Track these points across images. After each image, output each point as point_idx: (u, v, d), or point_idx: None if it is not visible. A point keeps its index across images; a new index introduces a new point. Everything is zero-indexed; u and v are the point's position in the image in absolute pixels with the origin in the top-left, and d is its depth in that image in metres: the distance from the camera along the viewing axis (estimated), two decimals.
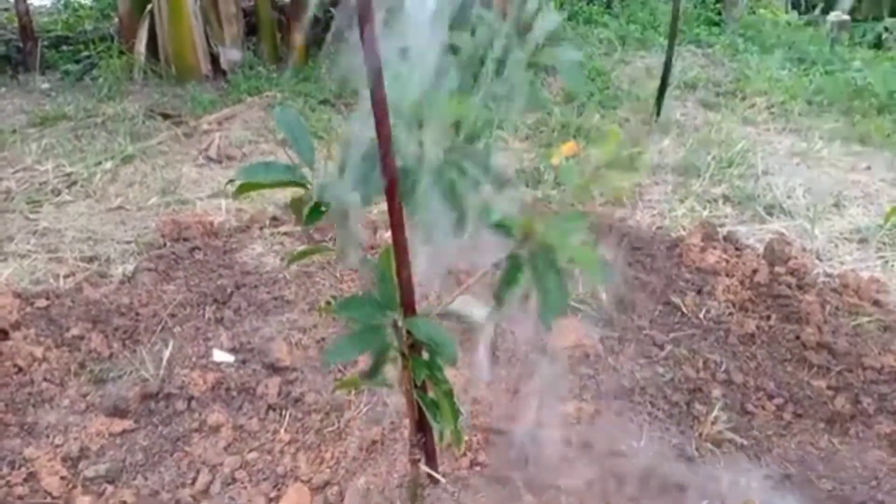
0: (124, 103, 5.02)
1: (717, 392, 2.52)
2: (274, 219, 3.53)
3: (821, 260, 3.29)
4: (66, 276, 3.03)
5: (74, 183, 3.90)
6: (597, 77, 5.58)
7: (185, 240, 3.30)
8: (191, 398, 2.38)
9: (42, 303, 2.77)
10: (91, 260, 3.17)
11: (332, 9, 6.78)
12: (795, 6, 7.90)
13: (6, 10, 6.99)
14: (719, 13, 7.14)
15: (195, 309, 2.85)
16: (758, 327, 2.80)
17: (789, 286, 3.01)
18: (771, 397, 2.50)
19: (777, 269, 3.13)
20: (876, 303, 2.95)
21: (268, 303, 2.90)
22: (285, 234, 3.42)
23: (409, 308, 1.60)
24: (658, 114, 4.87)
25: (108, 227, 3.46)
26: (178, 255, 3.16)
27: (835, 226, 3.61)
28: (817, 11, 7.77)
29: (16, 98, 5.39)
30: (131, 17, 5.76)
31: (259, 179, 1.51)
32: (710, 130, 4.69)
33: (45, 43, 6.14)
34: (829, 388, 2.52)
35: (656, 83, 4.95)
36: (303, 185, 1.52)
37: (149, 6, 5.56)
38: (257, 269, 3.12)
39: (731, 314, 2.89)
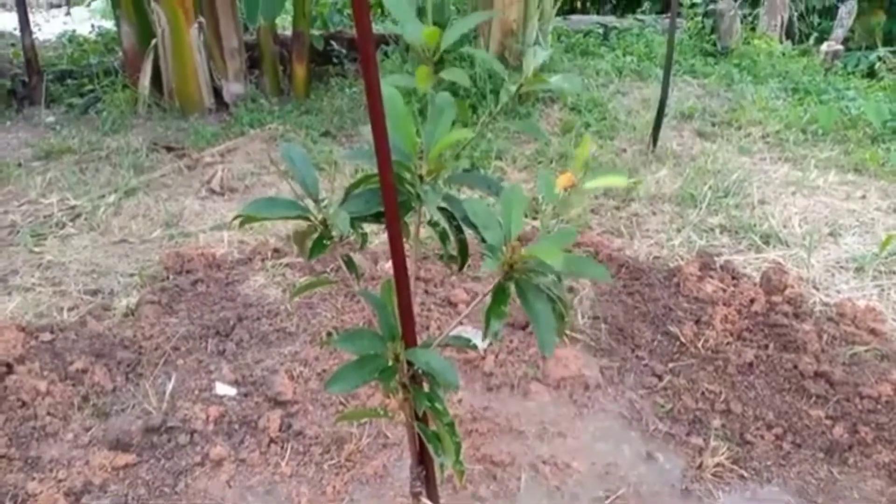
0: (128, 136, 5.09)
1: (716, 422, 2.54)
2: (276, 250, 3.57)
3: (817, 289, 3.32)
4: (70, 310, 3.06)
5: (78, 216, 3.95)
6: (594, 108, 5.66)
7: (188, 272, 3.33)
8: (193, 432, 2.39)
9: (46, 336, 2.80)
10: (95, 293, 3.20)
11: (332, 42, 6.90)
12: (789, 36, 8.03)
13: (13, 45, 7.12)
14: (714, 44, 7.25)
15: (198, 341, 2.87)
16: (756, 357, 2.82)
17: (786, 315, 3.04)
18: (770, 427, 2.52)
19: (774, 298, 3.16)
20: (872, 331, 2.97)
21: (270, 335, 2.93)
22: (287, 265, 3.45)
23: (409, 339, 1.63)
24: (654, 144, 4.93)
25: (111, 260, 3.50)
26: (180, 288, 3.19)
27: (831, 255, 3.64)
28: (811, 41, 7.90)
29: (21, 131, 5.47)
30: (135, 51, 5.87)
31: (265, 214, 1.56)
32: (707, 160, 4.75)
33: (51, 77, 6.25)
34: (827, 417, 2.54)
35: (653, 114, 5.03)
36: (307, 218, 1.57)
37: (153, 41, 5.66)
38: (259, 301, 3.15)
39: (729, 343, 2.92)
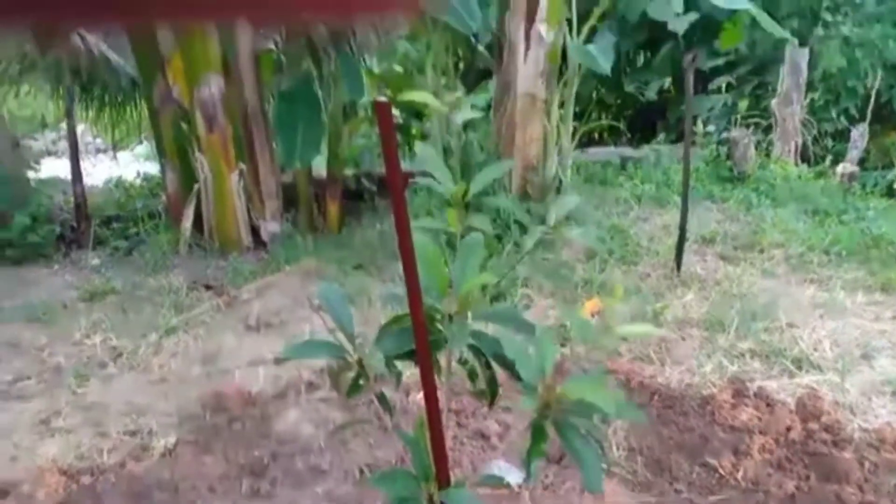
0: (170, 276, 5.32)
1: None
2: (310, 384, 3.63)
3: (854, 414, 3.27)
4: (109, 451, 3.12)
5: (120, 355, 4.08)
6: (616, 235, 5.80)
7: (225, 410, 3.40)
8: None
9: (87, 480, 2.85)
10: (134, 433, 3.27)
11: (363, 180, 7.26)
12: (804, 160, 8.24)
13: (64, 192, 7.61)
14: (731, 170, 7.46)
15: (233, 481, 2.90)
16: (797, 488, 2.76)
17: (825, 443, 2.99)
18: None
19: (811, 425, 3.11)
20: None
21: (303, 473, 2.94)
22: (321, 399, 3.50)
23: (443, 479, 1.66)
24: (679, 268, 5.01)
25: (151, 400, 3.58)
26: (217, 427, 3.25)
27: (865, 378, 3.60)
28: (826, 163, 8.08)
29: (67, 274, 5.74)
30: (178, 195, 6.24)
31: (305, 357, 1.65)
32: (732, 284, 4.80)
33: (98, 221, 6.62)
34: None
35: (674, 239, 5.14)
36: (343, 358, 1.65)
37: (195, 186, 6.02)
38: (293, 438, 3.18)
39: (769, 475, 2.86)
